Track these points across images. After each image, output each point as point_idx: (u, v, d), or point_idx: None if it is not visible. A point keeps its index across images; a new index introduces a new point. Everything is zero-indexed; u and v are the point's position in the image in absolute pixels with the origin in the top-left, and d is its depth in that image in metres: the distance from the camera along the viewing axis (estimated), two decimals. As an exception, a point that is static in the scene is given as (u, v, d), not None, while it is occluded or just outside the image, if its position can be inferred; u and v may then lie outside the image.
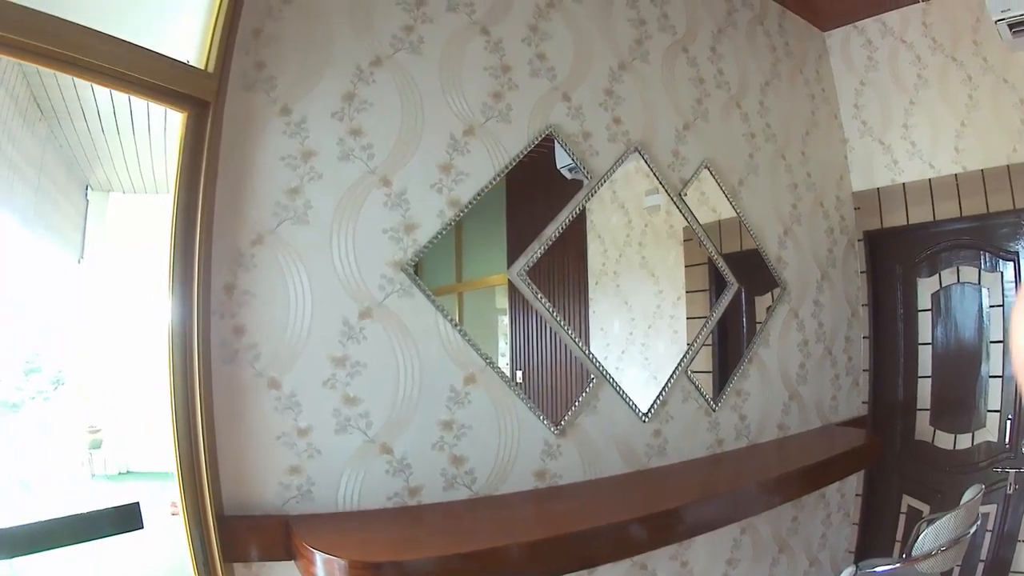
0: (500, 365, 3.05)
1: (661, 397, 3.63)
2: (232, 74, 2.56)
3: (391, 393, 2.76)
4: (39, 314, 2.72)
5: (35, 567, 2.29)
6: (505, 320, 3.18)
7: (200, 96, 2.42)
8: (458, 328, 2.93)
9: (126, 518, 2.37)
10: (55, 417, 2.78)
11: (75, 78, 2.24)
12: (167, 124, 2.59)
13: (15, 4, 1.90)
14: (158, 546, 2.60)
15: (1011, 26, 3.96)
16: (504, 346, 3.16)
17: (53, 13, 1.97)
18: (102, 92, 2.42)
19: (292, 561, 2.44)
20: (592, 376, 3.37)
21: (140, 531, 2.38)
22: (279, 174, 2.62)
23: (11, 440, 2.78)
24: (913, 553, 3.25)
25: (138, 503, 2.40)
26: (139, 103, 2.52)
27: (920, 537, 3.26)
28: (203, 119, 2.44)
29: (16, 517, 2.23)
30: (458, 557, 2.26)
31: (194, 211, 2.40)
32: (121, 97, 2.48)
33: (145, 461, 2.92)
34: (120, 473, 2.89)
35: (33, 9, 1.93)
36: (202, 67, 2.44)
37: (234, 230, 2.52)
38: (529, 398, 3.11)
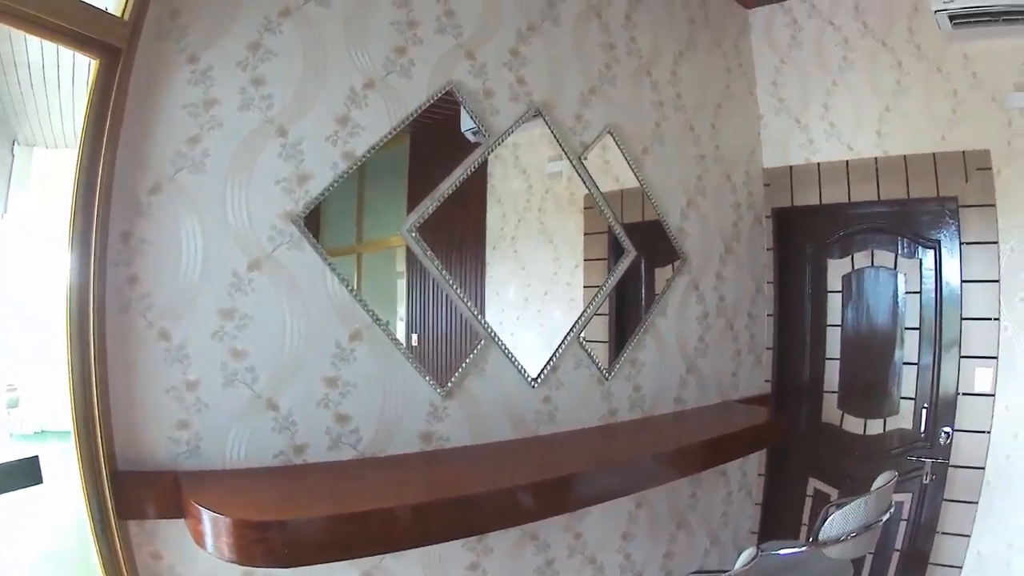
0: (397, 328, 3.19)
1: (552, 363, 3.78)
2: (147, 23, 2.63)
3: (277, 347, 2.87)
4: None
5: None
6: (403, 283, 3.33)
7: (113, 43, 2.49)
8: (345, 283, 3.04)
9: (25, 472, 2.43)
10: None
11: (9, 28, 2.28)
12: (89, 76, 2.61)
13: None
14: (66, 503, 2.63)
15: (951, 18, 4.12)
16: (402, 309, 3.29)
17: None
18: (34, 45, 2.46)
19: (183, 519, 2.52)
20: (481, 338, 3.51)
21: (39, 486, 2.45)
22: (181, 122, 2.71)
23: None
24: (820, 537, 3.30)
25: (37, 457, 2.45)
26: (67, 56, 2.56)
27: (828, 521, 3.30)
28: (114, 66, 2.52)
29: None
30: (343, 518, 2.37)
31: (97, 160, 2.49)
32: (51, 49, 2.52)
33: (62, 420, 2.76)
34: (36, 433, 2.91)
35: None
36: (118, 15, 2.51)
37: (134, 179, 2.62)
38: (416, 358, 3.25)
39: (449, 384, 3.37)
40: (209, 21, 2.79)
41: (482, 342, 3.51)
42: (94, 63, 2.50)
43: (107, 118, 2.51)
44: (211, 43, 2.79)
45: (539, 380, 3.73)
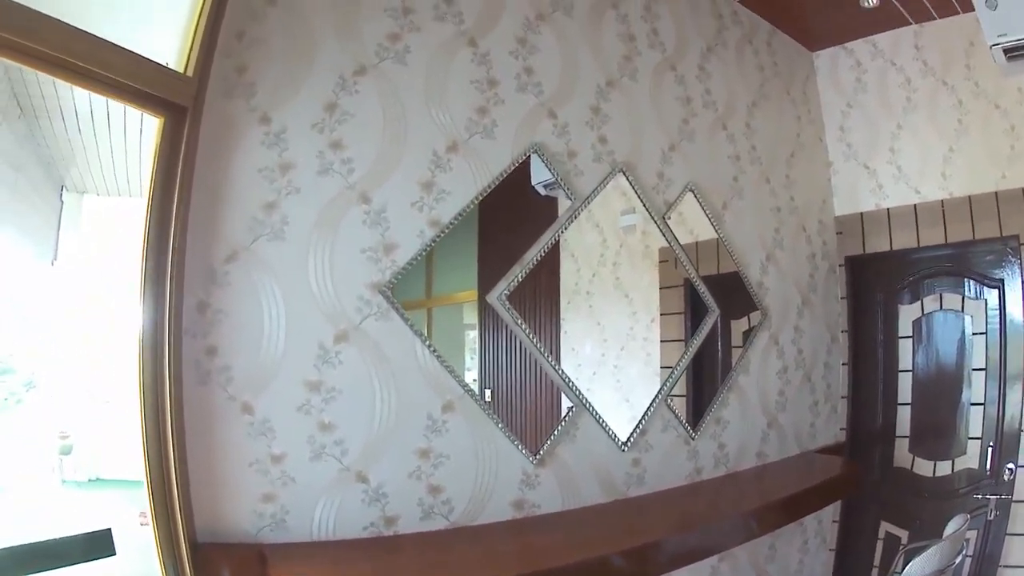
0: (467, 381, 3.01)
1: (640, 426, 3.61)
2: (212, 79, 2.47)
3: (367, 420, 2.71)
4: (11, 315, 2.65)
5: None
6: (472, 335, 3.15)
7: (178, 101, 2.34)
8: (435, 353, 2.88)
9: (98, 544, 2.32)
10: (26, 421, 2.70)
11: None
12: (143, 126, 2.51)
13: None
14: (125, 557, 2.48)
15: (1006, 51, 3.93)
16: (471, 362, 3.12)
17: (31, 6, 1.91)
18: (81, 92, 2.34)
19: None
20: (572, 405, 3.33)
21: (112, 557, 2.33)
22: (256, 187, 2.56)
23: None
24: None
25: (110, 529, 2.35)
26: (117, 104, 2.42)
27: (907, 568, 3.22)
28: (180, 125, 2.37)
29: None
30: None
31: (167, 224, 2.33)
32: (100, 98, 2.39)
33: (115, 468, 2.82)
34: (90, 480, 2.79)
35: (10, 1, 1.87)
36: (181, 70, 2.37)
37: (208, 245, 2.45)
38: (505, 424, 3.07)
39: (541, 452, 3.19)
40: (278, 77, 2.65)
41: (573, 408, 3.33)
42: (158, 122, 2.36)
43: (176, 181, 2.36)
44: (283, 103, 2.64)
45: (629, 444, 3.55)
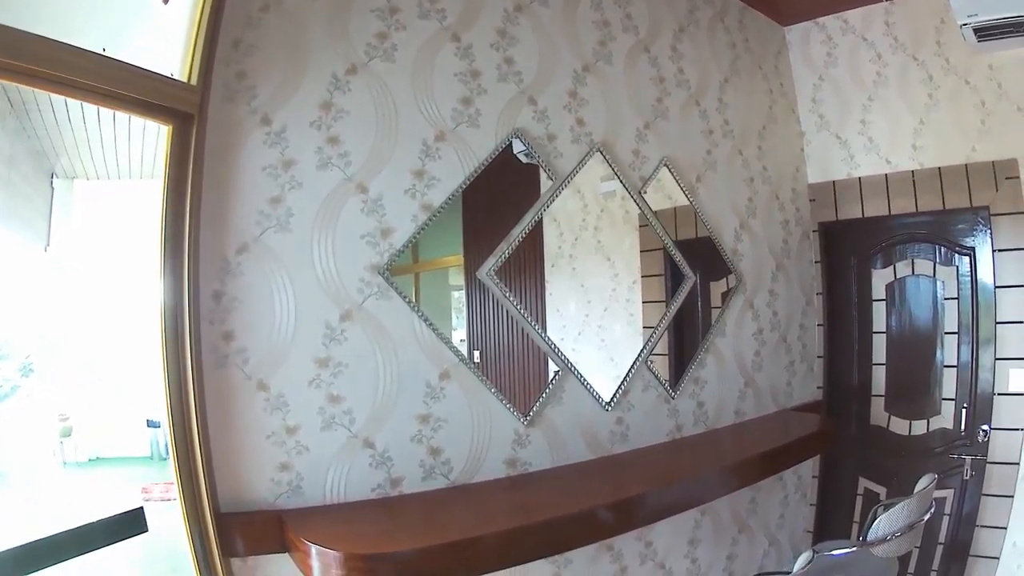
0: (455, 342, 3.23)
1: (623, 387, 3.85)
2: (214, 86, 2.67)
3: (372, 391, 2.94)
4: (6, 302, 2.74)
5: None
6: (459, 295, 3.35)
7: (184, 109, 2.52)
8: (431, 327, 3.11)
9: (131, 523, 2.49)
10: (25, 405, 2.81)
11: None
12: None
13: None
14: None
15: (976, 31, 4.12)
16: (458, 322, 3.32)
17: (36, 32, 2.05)
18: None
19: (285, 553, 2.62)
20: (557, 369, 3.58)
21: (145, 534, 2.51)
22: (261, 183, 2.77)
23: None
24: (868, 537, 3.37)
25: (142, 508, 2.51)
26: None
27: (875, 523, 3.39)
28: (187, 132, 2.55)
29: (18, 534, 2.25)
30: (440, 548, 2.46)
31: (182, 222, 2.53)
32: None
33: (114, 446, 2.97)
34: (90, 460, 2.93)
35: (13, 28, 2.00)
36: (185, 79, 2.54)
37: (220, 238, 2.67)
38: (497, 388, 3.32)
39: (531, 413, 3.43)
40: (276, 80, 2.84)
41: (559, 372, 3.58)
42: (167, 129, 2.54)
43: (187, 183, 2.55)
44: (282, 104, 2.84)
45: (612, 403, 3.80)
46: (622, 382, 3.87)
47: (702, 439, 4.25)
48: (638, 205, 4.02)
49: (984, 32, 4.14)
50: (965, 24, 4.10)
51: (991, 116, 4.56)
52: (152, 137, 2.67)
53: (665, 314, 4.14)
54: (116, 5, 2.56)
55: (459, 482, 3.18)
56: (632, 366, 3.93)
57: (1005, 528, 4.43)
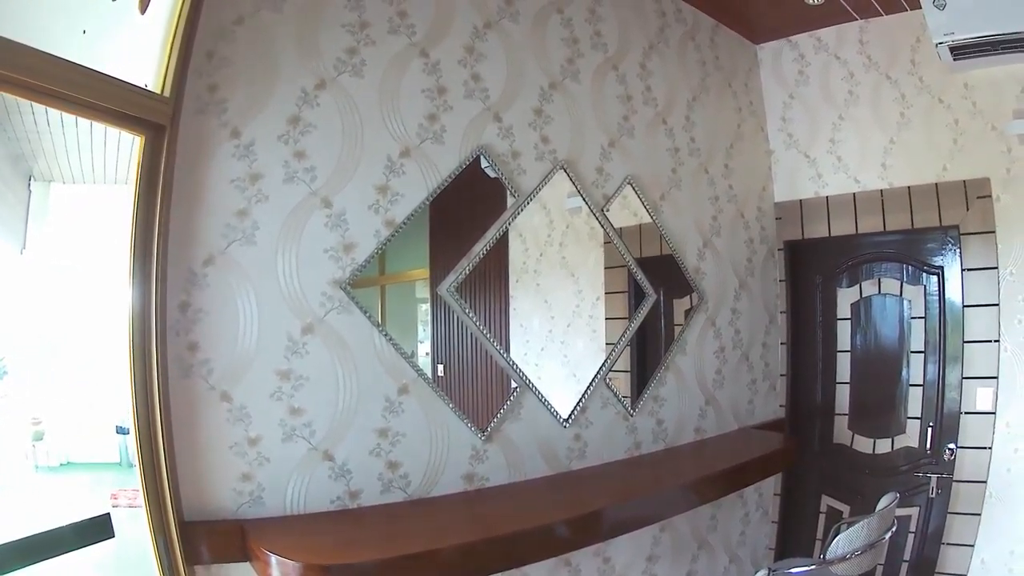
0: (420, 355, 3.31)
1: (581, 404, 3.93)
2: (186, 97, 2.72)
3: (332, 403, 3.01)
4: None
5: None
6: (425, 307, 3.41)
7: (157, 121, 2.56)
8: (391, 341, 3.18)
9: (97, 529, 2.52)
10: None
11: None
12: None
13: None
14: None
15: (952, 49, 4.20)
16: (423, 334, 3.39)
17: (11, 38, 2.05)
18: None
19: (247, 563, 2.68)
20: (516, 386, 3.65)
21: (111, 540, 2.55)
22: (229, 196, 2.82)
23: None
24: (827, 556, 3.40)
25: (108, 514, 2.56)
26: None
27: (834, 541, 3.42)
28: (159, 143, 2.60)
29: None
30: (399, 560, 2.52)
31: (151, 232, 2.58)
32: None
33: (84, 452, 2.99)
34: (61, 464, 2.94)
35: (17, 43, 2.05)
36: (159, 90, 2.58)
37: (188, 251, 2.72)
38: (455, 403, 3.38)
39: (488, 429, 3.50)
40: (247, 94, 2.89)
41: (517, 389, 3.65)
42: (139, 140, 2.58)
43: (157, 194, 2.59)
44: (252, 117, 2.89)
45: (570, 420, 3.86)
46: (580, 399, 3.93)
47: (661, 456, 4.31)
48: (601, 224, 4.09)
49: (960, 51, 4.21)
50: (941, 43, 4.18)
51: (964, 135, 4.63)
52: (128, 143, 2.68)
53: (625, 331, 4.20)
54: (94, 13, 2.55)
55: (417, 496, 3.24)
56: (590, 384, 3.99)
57: (972, 545, 4.50)
